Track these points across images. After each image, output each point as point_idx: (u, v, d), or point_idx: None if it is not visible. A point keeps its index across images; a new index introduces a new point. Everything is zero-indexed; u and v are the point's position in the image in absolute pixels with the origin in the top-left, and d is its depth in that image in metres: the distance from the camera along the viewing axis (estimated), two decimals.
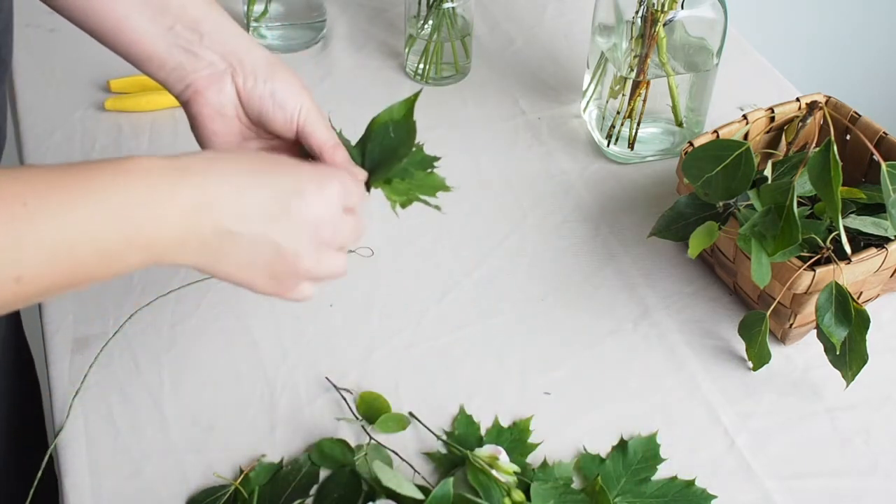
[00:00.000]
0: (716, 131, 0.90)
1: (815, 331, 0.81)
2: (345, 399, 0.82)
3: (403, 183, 0.74)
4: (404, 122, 0.74)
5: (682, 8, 0.93)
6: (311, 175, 0.63)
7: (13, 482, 0.91)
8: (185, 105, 0.71)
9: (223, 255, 0.59)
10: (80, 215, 0.52)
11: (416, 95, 0.73)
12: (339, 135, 0.75)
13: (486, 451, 0.75)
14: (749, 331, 0.83)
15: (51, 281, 0.52)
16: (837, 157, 0.76)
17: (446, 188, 0.75)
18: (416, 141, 0.74)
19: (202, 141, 0.72)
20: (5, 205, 0.49)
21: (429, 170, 0.76)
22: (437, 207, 0.74)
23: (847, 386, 0.79)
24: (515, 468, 0.74)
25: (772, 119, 0.92)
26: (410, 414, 0.81)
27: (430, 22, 1.08)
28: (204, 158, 0.61)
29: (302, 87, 0.72)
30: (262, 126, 0.72)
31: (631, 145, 1.02)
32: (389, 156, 0.73)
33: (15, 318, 0.98)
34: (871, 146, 0.85)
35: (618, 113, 1.00)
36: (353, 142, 0.75)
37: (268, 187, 0.60)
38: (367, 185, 0.73)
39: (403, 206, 0.74)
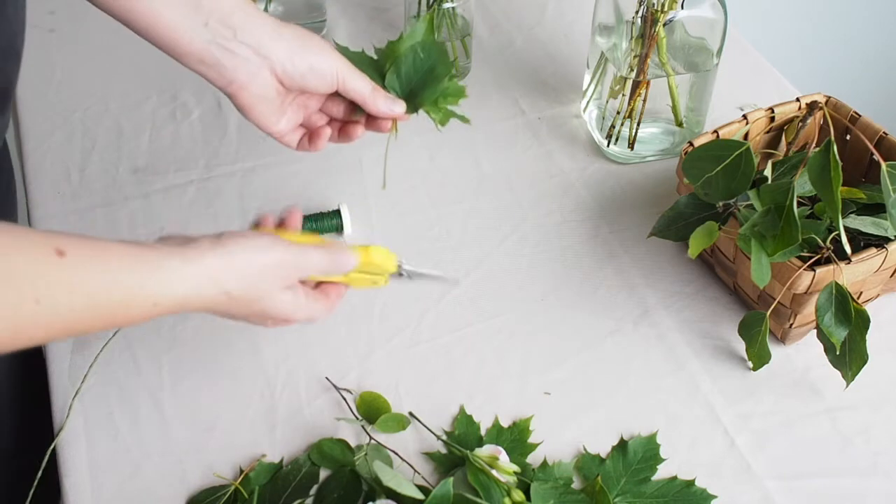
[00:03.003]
0: (716, 131, 0.90)
1: (815, 331, 0.81)
2: (345, 399, 0.82)
3: (437, 103, 0.83)
4: (431, 42, 0.82)
5: (682, 8, 0.93)
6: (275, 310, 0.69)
7: (17, 482, 0.91)
8: (230, 96, 0.77)
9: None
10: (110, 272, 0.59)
11: (431, 14, 0.81)
12: (364, 54, 0.83)
13: (486, 451, 0.75)
14: (749, 331, 0.82)
15: (69, 317, 0.57)
16: (837, 157, 0.76)
17: (464, 94, 0.84)
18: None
19: (250, 118, 0.79)
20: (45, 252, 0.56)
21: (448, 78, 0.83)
22: (466, 120, 0.84)
23: (847, 386, 0.79)
24: (515, 468, 0.74)
25: (772, 119, 0.92)
26: (410, 414, 0.81)
27: None
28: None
29: (332, 52, 0.78)
30: (305, 92, 0.80)
31: (631, 145, 1.02)
32: (428, 76, 0.81)
33: None
34: (871, 146, 0.85)
35: (618, 113, 1.00)
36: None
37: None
38: (414, 108, 0.81)
39: (443, 123, 0.83)
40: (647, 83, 0.97)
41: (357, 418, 0.80)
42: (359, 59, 0.83)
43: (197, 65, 0.75)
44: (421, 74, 0.82)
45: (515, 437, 0.79)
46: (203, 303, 0.63)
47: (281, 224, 0.74)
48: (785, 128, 0.94)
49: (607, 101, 1.01)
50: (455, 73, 0.84)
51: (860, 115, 0.90)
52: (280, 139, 0.81)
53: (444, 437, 0.79)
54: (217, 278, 0.63)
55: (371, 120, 0.82)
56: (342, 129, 0.83)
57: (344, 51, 0.83)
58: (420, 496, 0.71)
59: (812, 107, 0.92)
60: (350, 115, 0.82)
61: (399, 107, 0.80)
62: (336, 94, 0.80)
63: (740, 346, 0.85)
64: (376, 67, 0.83)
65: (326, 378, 0.83)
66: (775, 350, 0.84)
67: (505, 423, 0.80)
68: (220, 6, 0.74)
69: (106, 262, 0.58)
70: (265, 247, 0.66)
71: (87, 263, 0.57)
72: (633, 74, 0.96)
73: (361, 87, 0.79)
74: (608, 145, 1.03)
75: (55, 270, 0.55)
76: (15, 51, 0.74)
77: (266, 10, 1.12)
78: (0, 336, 0.53)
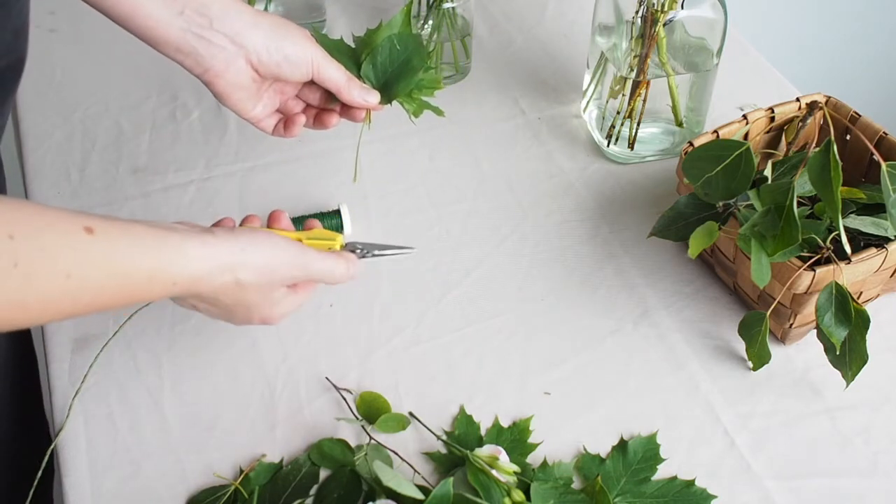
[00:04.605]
0: (716, 131, 0.90)
1: (815, 331, 0.81)
2: (345, 399, 0.82)
3: (411, 95, 0.85)
4: (407, 34, 0.84)
5: (682, 8, 0.93)
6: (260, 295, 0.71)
7: (14, 473, 0.92)
8: (207, 84, 0.79)
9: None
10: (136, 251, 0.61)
11: (409, 7, 0.84)
12: (342, 42, 0.85)
13: (486, 451, 0.75)
14: (749, 331, 0.82)
15: (96, 292, 0.59)
16: (837, 157, 0.76)
17: (440, 85, 0.86)
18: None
19: (227, 104, 0.81)
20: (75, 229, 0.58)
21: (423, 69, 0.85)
22: (441, 112, 0.85)
23: (847, 386, 0.79)
24: (515, 468, 0.74)
25: (772, 119, 0.92)
26: (410, 414, 0.81)
27: (430, 22, 1.08)
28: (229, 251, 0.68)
29: (308, 40, 0.80)
30: (280, 80, 0.82)
31: (631, 145, 1.02)
32: (404, 68, 0.83)
33: None
34: (871, 146, 0.85)
35: (618, 113, 1.00)
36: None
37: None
38: (388, 99, 0.83)
39: (416, 114, 0.84)
40: (647, 83, 0.97)
41: (357, 418, 0.80)
42: (336, 47, 0.85)
43: (174, 53, 0.77)
44: (396, 66, 0.84)
45: (515, 437, 0.79)
46: (213, 287, 0.66)
47: (270, 224, 0.77)
48: (785, 128, 0.94)
49: (607, 101, 1.01)
50: (431, 66, 0.86)
51: (860, 115, 0.90)
52: (256, 124, 0.83)
53: (444, 437, 0.79)
54: (231, 267, 0.66)
55: (345, 109, 0.84)
56: (317, 116, 0.85)
57: (322, 38, 0.84)
58: (420, 496, 0.71)
59: (812, 107, 0.92)
60: (326, 103, 0.84)
61: (373, 97, 0.82)
62: (313, 82, 0.82)
63: (740, 346, 0.85)
64: (353, 56, 0.85)
65: (326, 378, 0.83)
66: (775, 350, 0.84)
67: (505, 423, 0.80)
68: None
69: (131, 242, 0.61)
70: (278, 246, 0.69)
71: (115, 242, 0.59)
72: (633, 74, 0.96)
73: (336, 76, 0.81)
74: (608, 145, 1.03)
75: (85, 246, 0.57)
76: (26, 32, 0.76)
77: (266, 10, 1.12)
78: (32, 308, 0.55)
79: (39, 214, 0.56)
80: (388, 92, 0.84)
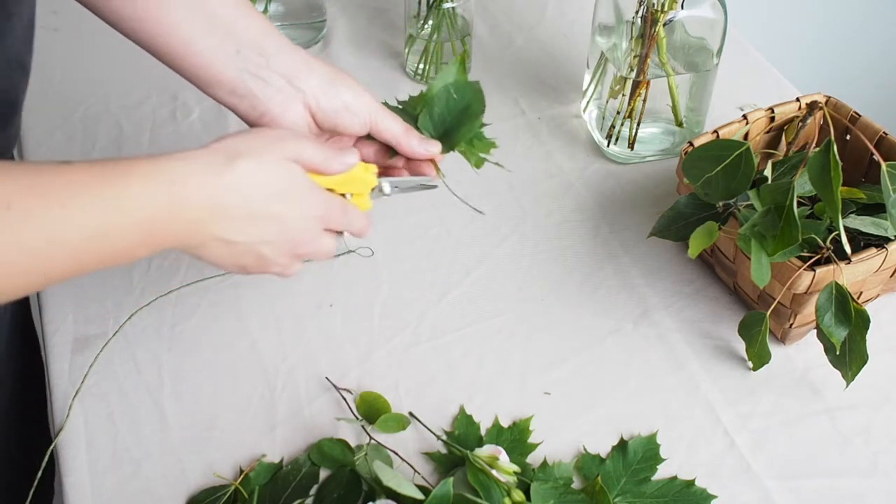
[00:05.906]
0: (716, 131, 0.90)
1: (815, 331, 0.81)
2: (345, 399, 0.82)
3: (472, 143, 0.80)
4: (464, 81, 0.80)
5: (682, 8, 0.93)
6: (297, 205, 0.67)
7: (13, 473, 0.92)
8: None
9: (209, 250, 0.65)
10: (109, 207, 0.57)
11: (463, 55, 0.80)
12: (395, 108, 0.79)
13: (486, 451, 0.75)
14: (749, 331, 0.83)
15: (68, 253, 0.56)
16: (837, 157, 0.76)
17: (495, 145, 0.80)
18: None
19: None
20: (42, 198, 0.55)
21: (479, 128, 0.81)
22: (501, 166, 0.83)
23: (847, 386, 0.79)
24: (515, 468, 0.74)
25: (772, 119, 0.92)
26: (410, 414, 0.81)
27: (430, 22, 1.08)
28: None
29: (364, 89, 0.75)
30: (336, 132, 0.76)
31: (631, 145, 1.02)
32: (462, 116, 0.79)
33: (23, 308, 0.98)
34: (871, 146, 0.85)
35: (618, 113, 1.00)
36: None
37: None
38: (450, 146, 0.78)
39: (478, 165, 0.79)
40: (647, 83, 0.97)
41: (357, 418, 0.80)
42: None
43: (227, 96, 0.72)
44: (455, 115, 0.79)
45: (515, 437, 0.79)
46: (222, 194, 0.61)
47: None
48: (785, 128, 0.94)
49: (607, 101, 1.01)
50: (485, 122, 0.82)
51: (860, 115, 0.90)
52: None
53: (444, 437, 0.79)
54: (224, 154, 0.61)
55: (408, 165, 0.79)
56: (381, 173, 0.79)
57: None
58: (420, 496, 0.71)
59: (812, 107, 0.92)
60: (382, 161, 0.79)
61: (434, 146, 0.77)
62: (366, 140, 0.77)
63: (740, 346, 0.85)
64: (404, 115, 0.80)
65: (326, 378, 0.83)
66: (775, 350, 0.84)
67: (505, 423, 0.80)
68: (252, 35, 0.71)
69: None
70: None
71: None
72: (633, 74, 0.96)
73: (394, 127, 0.75)
74: (608, 145, 1.03)
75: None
76: (21, 64, 0.73)
77: (266, 10, 1.12)
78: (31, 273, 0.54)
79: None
80: (448, 141, 0.79)
